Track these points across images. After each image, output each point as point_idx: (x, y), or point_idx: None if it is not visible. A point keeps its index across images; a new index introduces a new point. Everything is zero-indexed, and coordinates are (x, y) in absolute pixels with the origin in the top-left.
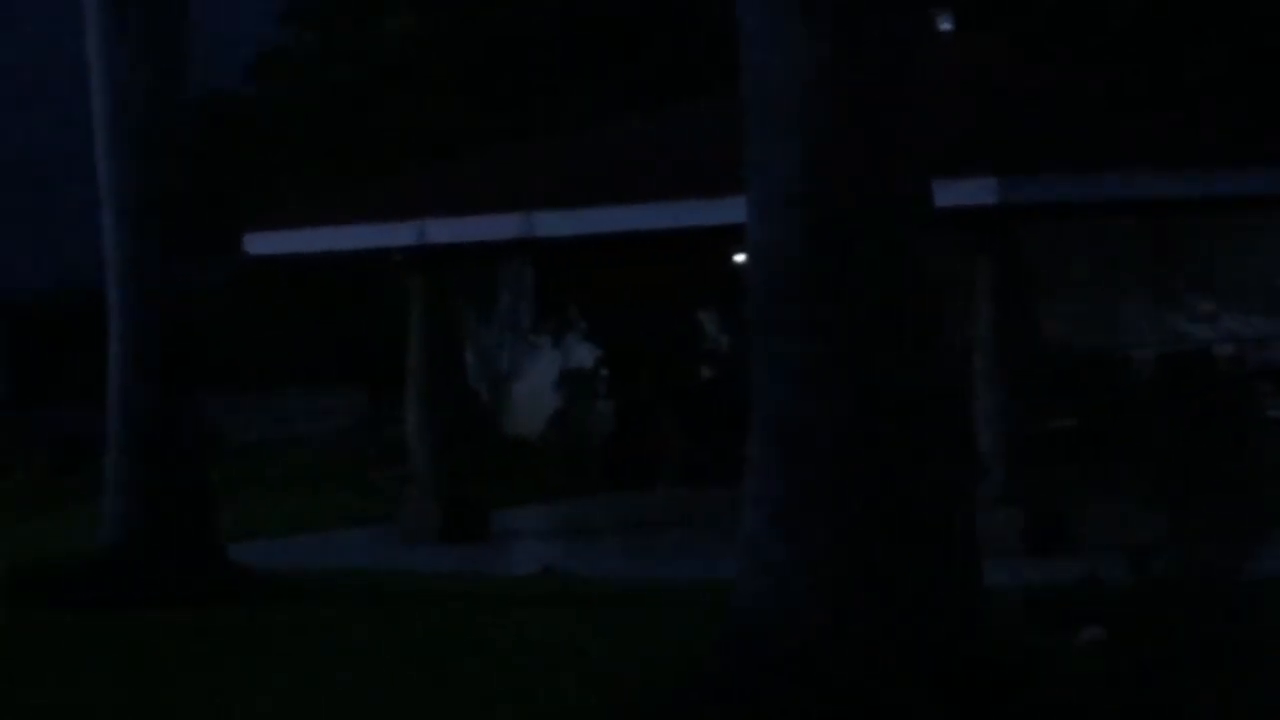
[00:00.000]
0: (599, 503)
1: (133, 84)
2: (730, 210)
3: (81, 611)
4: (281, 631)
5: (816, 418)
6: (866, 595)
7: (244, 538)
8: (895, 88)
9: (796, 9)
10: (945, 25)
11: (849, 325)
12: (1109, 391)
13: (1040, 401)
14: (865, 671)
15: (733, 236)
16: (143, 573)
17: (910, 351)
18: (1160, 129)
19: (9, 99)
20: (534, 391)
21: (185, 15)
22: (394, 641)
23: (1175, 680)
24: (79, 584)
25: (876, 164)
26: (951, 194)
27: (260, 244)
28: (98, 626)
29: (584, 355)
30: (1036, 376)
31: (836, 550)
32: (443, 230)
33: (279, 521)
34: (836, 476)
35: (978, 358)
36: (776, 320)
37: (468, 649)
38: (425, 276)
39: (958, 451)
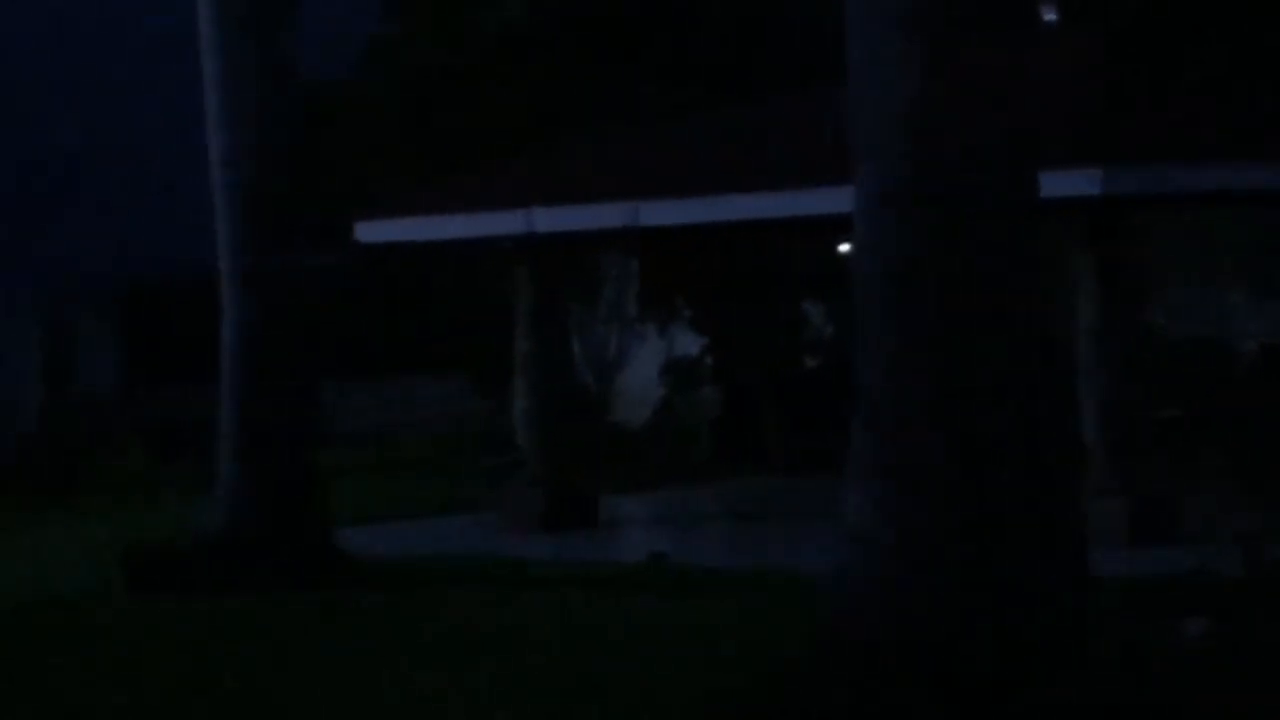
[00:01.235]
0: (704, 491)
1: (244, 67)
2: (836, 200)
3: (194, 596)
4: (389, 617)
5: (919, 408)
6: (970, 585)
7: (351, 523)
8: (999, 79)
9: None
10: (1049, 17)
11: (953, 316)
12: (1213, 381)
13: (1144, 391)
14: (968, 659)
15: (838, 226)
16: (253, 557)
17: (1014, 342)
18: (1264, 119)
19: (120, 88)
20: (639, 380)
21: None
22: (502, 628)
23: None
24: (190, 568)
25: (982, 155)
26: (1056, 185)
27: (370, 232)
28: (211, 611)
29: (689, 344)
30: (1140, 366)
31: (940, 540)
32: (549, 219)
33: (386, 507)
34: (940, 467)
35: (1082, 348)
36: (881, 310)
37: (576, 635)
38: (532, 265)
39: (1062, 441)
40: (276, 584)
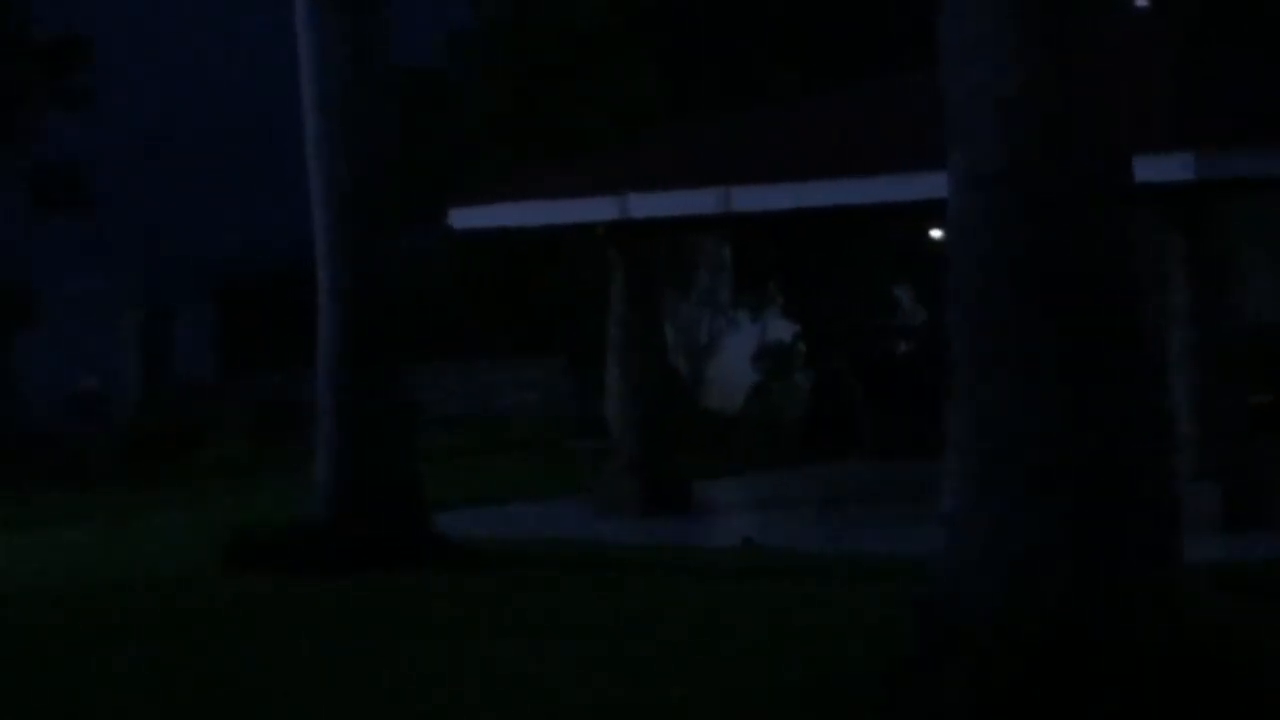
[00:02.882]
0: (796, 475)
1: (338, 58)
2: (928, 185)
3: (293, 578)
4: (489, 600)
5: (1015, 393)
6: (1065, 569)
7: (445, 507)
8: (1093, 62)
9: None
10: (1140, 2)
11: (1048, 300)
12: None
13: (1237, 377)
14: (1063, 644)
15: (930, 211)
16: (351, 539)
17: (1109, 327)
18: None
19: (216, 83)
20: (732, 365)
21: None
22: (599, 612)
23: None
24: (290, 550)
25: (1075, 139)
26: (1148, 170)
27: (464, 218)
28: (308, 593)
29: (781, 330)
30: (1232, 351)
31: (1035, 525)
32: (643, 205)
33: (481, 491)
34: (1036, 452)
35: (1175, 333)
36: (975, 296)
37: (671, 619)
38: (626, 251)
39: (1157, 427)
40: (375, 567)
